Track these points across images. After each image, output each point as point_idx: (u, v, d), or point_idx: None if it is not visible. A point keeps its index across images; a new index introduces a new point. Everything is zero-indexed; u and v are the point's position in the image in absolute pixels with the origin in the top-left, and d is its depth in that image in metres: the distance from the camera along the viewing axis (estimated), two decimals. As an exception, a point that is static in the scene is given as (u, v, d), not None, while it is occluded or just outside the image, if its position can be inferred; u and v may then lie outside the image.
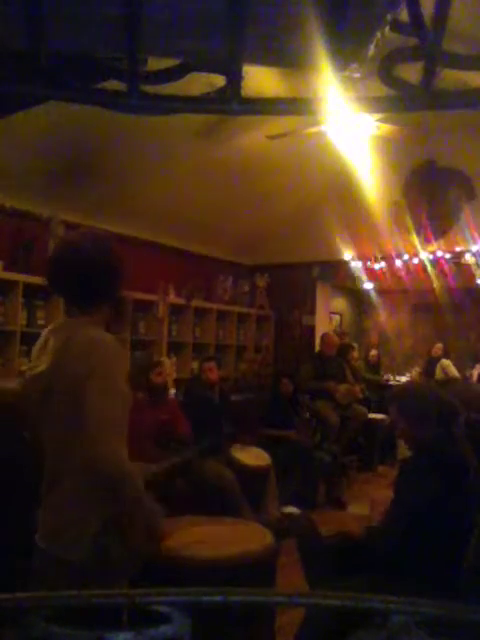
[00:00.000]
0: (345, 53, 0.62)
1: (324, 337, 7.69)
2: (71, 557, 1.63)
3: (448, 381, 8.37)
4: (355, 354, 8.15)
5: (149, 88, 0.63)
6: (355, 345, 8.59)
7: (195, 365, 6.89)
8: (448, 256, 7.20)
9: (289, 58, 0.74)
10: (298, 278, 8.35)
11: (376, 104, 0.66)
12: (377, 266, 7.87)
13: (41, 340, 1.79)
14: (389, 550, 2.30)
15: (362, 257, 7.70)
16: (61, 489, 1.71)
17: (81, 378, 1.63)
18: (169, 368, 6.34)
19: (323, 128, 5.04)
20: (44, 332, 1.82)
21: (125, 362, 1.74)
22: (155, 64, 0.70)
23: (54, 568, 1.67)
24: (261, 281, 8.60)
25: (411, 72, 0.65)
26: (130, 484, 1.71)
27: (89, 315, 1.78)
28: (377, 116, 4.92)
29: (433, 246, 7.31)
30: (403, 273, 7.61)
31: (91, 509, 1.67)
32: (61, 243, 1.98)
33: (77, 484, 1.69)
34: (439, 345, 9.18)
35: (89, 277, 1.78)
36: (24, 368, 1.76)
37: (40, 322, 5.50)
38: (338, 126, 5.00)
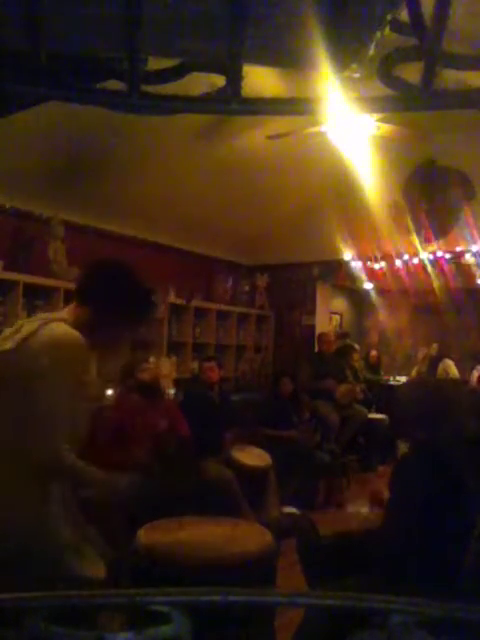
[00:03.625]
0: (345, 53, 0.62)
1: (321, 336, 7.71)
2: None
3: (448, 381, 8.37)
4: (356, 355, 8.16)
5: (149, 88, 0.62)
6: (357, 346, 8.59)
7: (195, 365, 6.89)
8: (448, 256, 7.20)
9: (289, 58, 0.74)
10: (298, 278, 8.35)
11: (376, 104, 0.66)
12: (377, 266, 7.87)
13: (16, 325, 1.84)
14: (395, 551, 2.30)
15: (362, 257, 7.69)
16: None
17: (34, 372, 1.68)
18: (168, 368, 6.34)
19: (323, 128, 5.03)
20: (20, 320, 1.87)
21: (83, 362, 1.76)
22: (155, 64, 0.70)
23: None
24: (261, 281, 8.60)
25: (411, 72, 0.65)
26: (71, 479, 1.81)
27: (69, 313, 1.86)
28: (377, 116, 4.92)
29: (433, 246, 7.30)
30: (403, 273, 7.61)
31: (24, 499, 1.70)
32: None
33: (13, 474, 1.71)
34: (435, 345, 9.23)
35: (103, 281, 1.89)
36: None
37: (40, 322, 5.49)
38: (338, 126, 5.00)
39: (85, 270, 1.98)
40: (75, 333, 1.74)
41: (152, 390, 4.39)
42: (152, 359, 4.60)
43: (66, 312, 1.89)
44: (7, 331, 1.84)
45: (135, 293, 1.91)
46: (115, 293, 1.88)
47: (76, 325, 1.79)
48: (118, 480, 1.94)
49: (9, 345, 1.74)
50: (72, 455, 1.75)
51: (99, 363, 1.86)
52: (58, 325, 1.76)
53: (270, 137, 5.39)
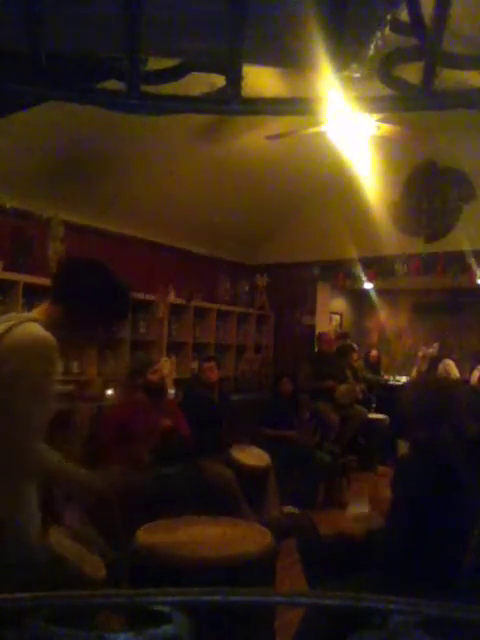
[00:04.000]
0: (345, 53, 0.62)
1: (321, 336, 7.71)
2: None
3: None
4: (355, 355, 8.15)
5: (149, 88, 0.62)
6: (356, 346, 8.60)
7: (195, 365, 6.89)
8: (448, 256, 7.19)
9: (289, 58, 0.74)
10: (298, 278, 8.35)
11: (376, 104, 0.66)
12: (377, 266, 7.86)
13: None
14: (395, 551, 2.30)
15: (362, 257, 7.69)
16: None
17: (9, 375, 1.67)
18: (169, 368, 6.34)
19: (323, 128, 5.03)
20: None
21: (52, 362, 1.75)
22: (155, 64, 0.70)
23: None
24: (261, 281, 8.60)
25: (411, 72, 0.65)
26: (55, 479, 1.82)
27: (41, 312, 1.85)
28: (377, 116, 4.91)
29: (433, 246, 7.30)
30: (403, 273, 7.60)
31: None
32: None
33: None
34: (435, 345, 9.22)
35: (78, 281, 1.88)
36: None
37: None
38: (338, 126, 5.00)
39: (58, 268, 1.97)
40: (44, 333, 1.73)
41: (157, 391, 4.42)
42: (166, 362, 4.61)
43: (38, 312, 1.88)
44: None
45: (108, 292, 1.90)
46: (87, 292, 1.87)
47: (48, 324, 1.78)
48: (100, 478, 1.93)
49: None
50: (55, 455, 1.74)
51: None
52: (29, 325, 1.75)
53: (270, 137, 5.39)
